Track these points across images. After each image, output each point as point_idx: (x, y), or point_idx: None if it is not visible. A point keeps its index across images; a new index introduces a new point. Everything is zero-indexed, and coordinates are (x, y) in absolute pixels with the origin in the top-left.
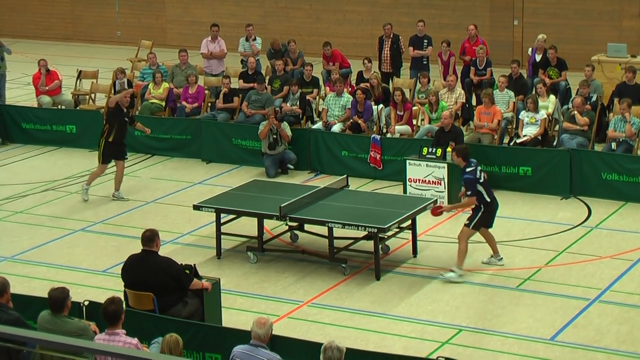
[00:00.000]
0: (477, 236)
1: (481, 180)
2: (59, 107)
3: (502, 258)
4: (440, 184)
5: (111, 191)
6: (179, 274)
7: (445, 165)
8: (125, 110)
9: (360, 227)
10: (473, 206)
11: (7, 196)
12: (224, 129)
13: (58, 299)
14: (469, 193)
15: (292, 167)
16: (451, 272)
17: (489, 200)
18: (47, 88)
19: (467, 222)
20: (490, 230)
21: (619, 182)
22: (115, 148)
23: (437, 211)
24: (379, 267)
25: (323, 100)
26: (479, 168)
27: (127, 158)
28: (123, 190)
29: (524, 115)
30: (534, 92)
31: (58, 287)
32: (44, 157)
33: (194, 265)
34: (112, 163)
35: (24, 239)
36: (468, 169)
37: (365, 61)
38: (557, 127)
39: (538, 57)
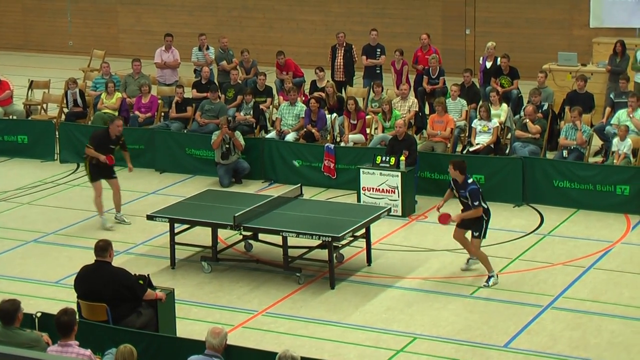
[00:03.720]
0: (430, 243)
1: (481, 191)
2: (10, 117)
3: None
4: (394, 193)
5: (62, 201)
6: (132, 284)
7: (399, 173)
8: (115, 137)
9: (314, 236)
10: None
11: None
12: (177, 139)
13: (9, 311)
14: (475, 203)
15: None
16: (490, 278)
17: (486, 207)
18: None
19: (477, 233)
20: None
21: (571, 189)
22: (102, 167)
23: (446, 220)
24: (333, 276)
25: (277, 109)
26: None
27: (115, 176)
28: (124, 213)
29: (476, 123)
30: (486, 100)
31: (9, 298)
32: None
33: (148, 275)
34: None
35: None
36: (470, 181)
37: (318, 70)
38: (509, 135)
39: (488, 64)
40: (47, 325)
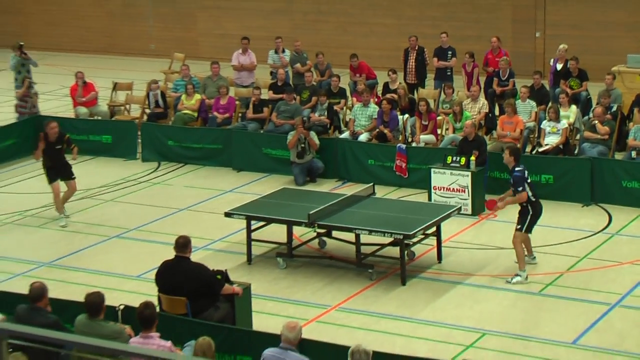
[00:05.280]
0: (499, 242)
1: (528, 180)
2: (95, 117)
3: (534, 257)
4: (464, 192)
5: (143, 199)
6: (210, 279)
7: (469, 173)
8: (54, 140)
9: (386, 234)
10: (524, 203)
11: (45, 204)
12: (254, 139)
13: (94, 303)
14: (519, 189)
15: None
16: (517, 276)
17: (534, 199)
18: (84, 99)
19: (519, 226)
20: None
21: (639, 189)
22: (58, 169)
23: (492, 206)
24: (404, 273)
25: (350, 110)
26: (527, 172)
27: (74, 178)
28: (68, 209)
29: (545, 124)
30: (555, 102)
31: (94, 291)
32: (81, 166)
33: (225, 270)
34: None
35: (62, 245)
36: (517, 168)
37: (390, 72)
38: (578, 136)
39: (559, 66)
40: (130, 318)
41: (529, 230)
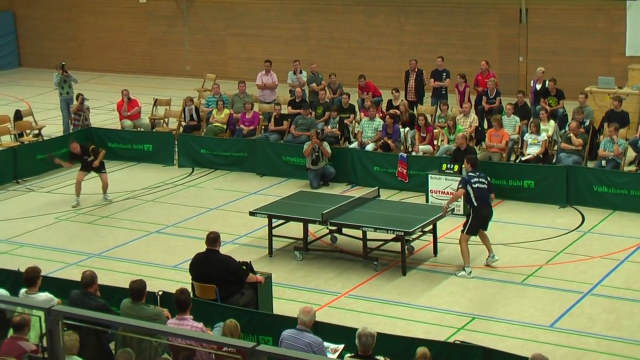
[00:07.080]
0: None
1: (474, 186)
2: (138, 129)
3: (494, 255)
4: None
5: (179, 199)
6: (237, 269)
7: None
8: (79, 154)
9: (389, 231)
10: (460, 199)
11: (95, 203)
12: (275, 148)
13: (137, 289)
14: (459, 186)
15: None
16: (462, 270)
17: (475, 205)
18: (128, 113)
19: (462, 228)
20: (487, 233)
21: (608, 193)
22: (89, 163)
23: (445, 210)
24: (405, 265)
25: (358, 123)
26: (480, 180)
27: (105, 171)
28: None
29: (527, 137)
30: (536, 117)
31: (137, 279)
32: (126, 171)
33: (250, 262)
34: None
35: (109, 239)
36: (469, 173)
37: (393, 91)
38: (555, 147)
39: (538, 86)
40: (167, 302)
41: (471, 232)
